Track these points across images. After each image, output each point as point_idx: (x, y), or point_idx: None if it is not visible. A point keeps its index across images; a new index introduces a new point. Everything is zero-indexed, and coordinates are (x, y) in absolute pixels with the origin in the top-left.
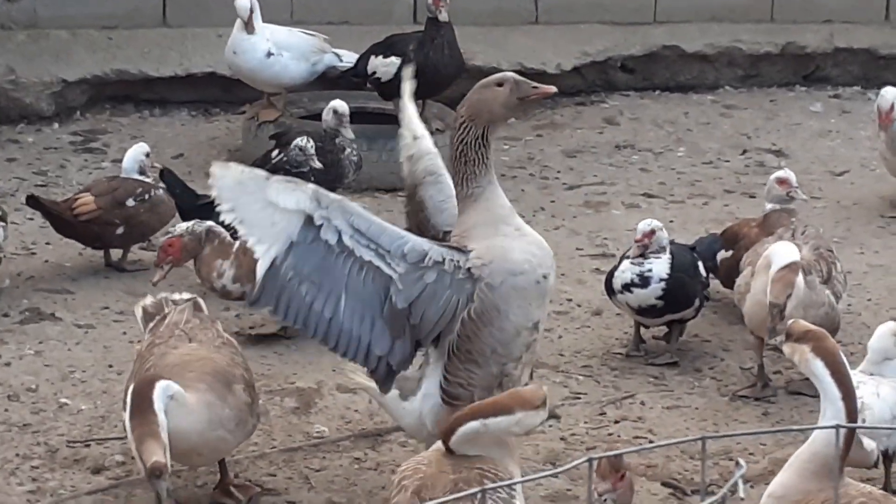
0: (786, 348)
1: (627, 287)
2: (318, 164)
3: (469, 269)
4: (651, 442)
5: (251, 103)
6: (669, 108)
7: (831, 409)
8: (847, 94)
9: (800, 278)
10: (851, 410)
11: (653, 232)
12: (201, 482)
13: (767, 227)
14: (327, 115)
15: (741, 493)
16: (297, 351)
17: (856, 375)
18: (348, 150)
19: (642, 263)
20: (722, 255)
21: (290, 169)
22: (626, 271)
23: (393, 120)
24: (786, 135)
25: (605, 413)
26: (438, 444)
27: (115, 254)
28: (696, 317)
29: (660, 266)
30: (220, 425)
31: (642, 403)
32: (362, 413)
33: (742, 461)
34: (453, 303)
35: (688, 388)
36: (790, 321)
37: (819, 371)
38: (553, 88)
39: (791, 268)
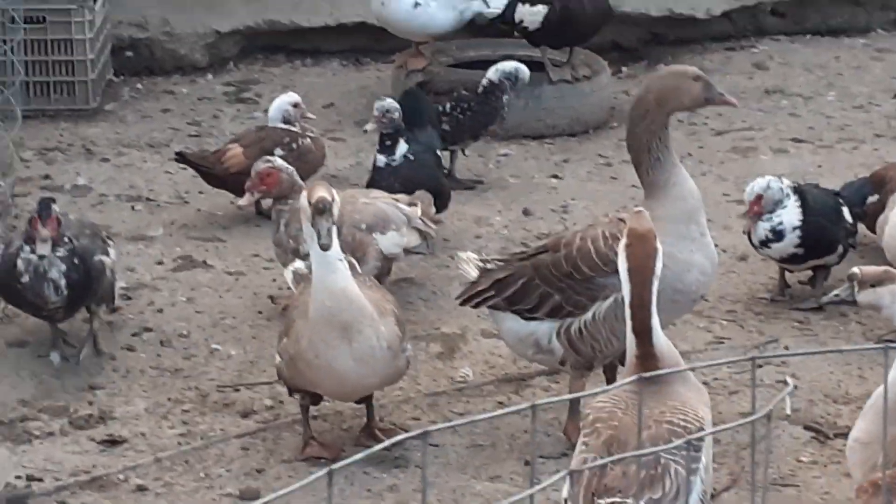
0: (865, 296)
1: (764, 244)
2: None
3: None
4: (796, 388)
5: (400, 52)
6: (820, 52)
7: None
8: None
9: None
10: None
11: (759, 197)
12: (347, 425)
13: None
14: (498, 76)
15: (788, 411)
16: (442, 297)
17: None
18: (506, 97)
19: (770, 218)
20: (870, 199)
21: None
22: (759, 230)
23: (539, 67)
24: None
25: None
26: (627, 374)
27: (266, 202)
28: (839, 262)
29: (789, 215)
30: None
31: (786, 348)
32: (506, 358)
33: (790, 380)
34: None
35: (833, 333)
36: (854, 269)
37: None
38: (736, 102)
39: None
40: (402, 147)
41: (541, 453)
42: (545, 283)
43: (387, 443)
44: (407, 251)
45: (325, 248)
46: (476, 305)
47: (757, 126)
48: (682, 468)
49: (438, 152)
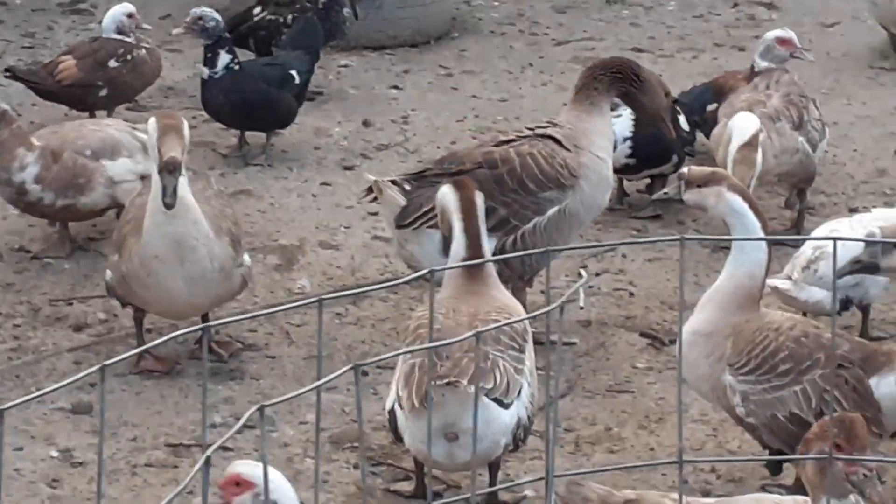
0: (691, 196)
1: None
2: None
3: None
4: (632, 294)
5: None
6: None
7: (752, 241)
8: None
9: (759, 154)
10: (768, 242)
11: None
12: (181, 339)
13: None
14: None
15: (581, 303)
16: (280, 208)
17: (832, 224)
18: (346, 10)
19: None
20: (710, 107)
21: (270, 27)
22: None
23: None
24: None
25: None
26: (450, 284)
27: (101, 115)
28: (676, 171)
29: (621, 126)
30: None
31: (624, 256)
32: (344, 269)
33: (583, 272)
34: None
35: (670, 241)
36: (683, 169)
37: (738, 205)
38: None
39: (750, 144)
40: (223, 58)
41: (377, 364)
42: (489, 199)
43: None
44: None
45: (168, 206)
46: (419, 226)
47: (598, 36)
48: (510, 365)
49: (294, 73)
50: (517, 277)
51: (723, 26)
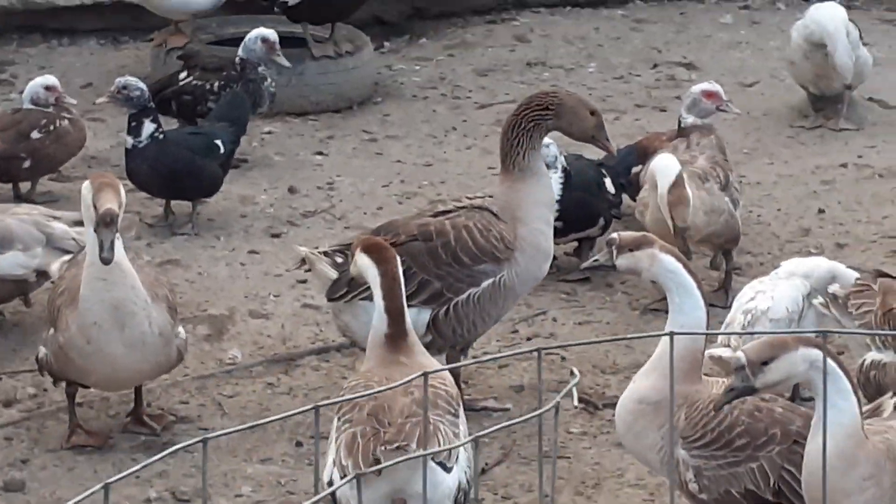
0: (623, 260)
1: None
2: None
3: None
4: (563, 359)
5: (159, 30)
6: (580, 23)
7: (690, 300)
8: (757, 5)
9: (690, 190)
10: (705, 299)
11: None
12: (113, 412)
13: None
14: (254, 45)
15: (576, 402)
16: (208, 278)
17: (755, 285)
18: (269, 80)
19: None
20: (635, 169)
21: (196, 92)
22: None
23: (301, 43)
24: (696, 47)
25: (517, 331)
26: (374, 355)
27: (24, 187)
28: (603, 234)
29: None
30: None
31: (554, 320)
32: (275, 338)
33: (576, 370)
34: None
35: (599, 304)
36: (613, 234)
37: (673, 266)
38: (614, 151)
39: (678, 184)
40: (147, 128)
41: (312, 434)
42: (423, 271)
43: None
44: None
45: (106, 261)
46: (351, 299)
47: (520, 98)
48: (449, 430)
49: (220, 143)
50: (450, 346)
51: (643, 87)
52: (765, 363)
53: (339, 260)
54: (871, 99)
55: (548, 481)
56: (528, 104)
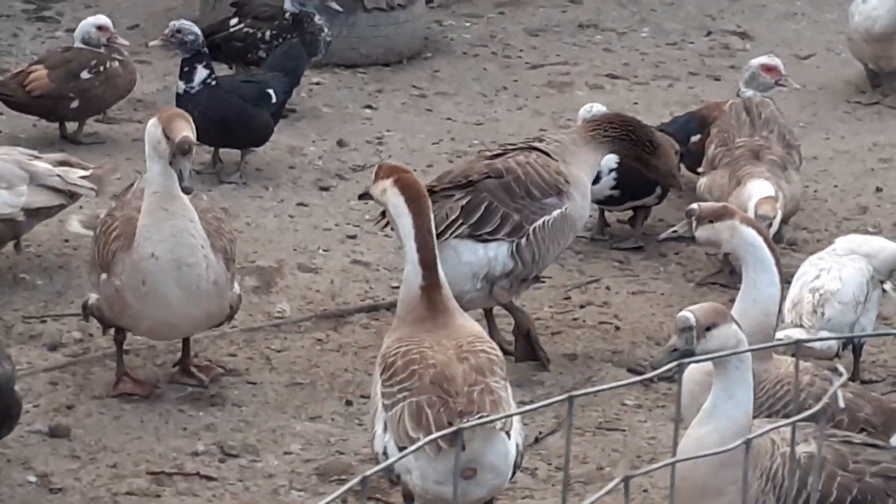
0: (703, 232)
1: None
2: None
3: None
4: (618, 329)
5: None
6: None
7: (767, 276)
8: None
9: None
10: (782, 277)
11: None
12: (160, 361)
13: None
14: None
15: (841, 403)
16: (256, 229)
17: (815, 262)
18: (325, 30)
19: None
20: (693, 138)
21: (247, 39)
22: None
23: None
24: (751, 16)
25: (570, 297)
26: (411, 316)
27: (71, 126)
28: (660, 203)
29: (607, 157)
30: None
31: (608, 288)
32: (324, 294)
33: (841, 368)
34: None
35: (653, 274)
36: (692, 205)
37: (753, 238)
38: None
39: (770, 197)
40: (200, 73)
41: (362, 393)
42: (503, 205)
43: None
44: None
45: (187, 191)
46: (446, 238)
47: (572, 61)
48: (509, 397)
49: (272, 92)
50: (519, 280)
51: (697, 55)
52: (708, 329)
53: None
54: None
55: (602, 453)
56: (637, 128)
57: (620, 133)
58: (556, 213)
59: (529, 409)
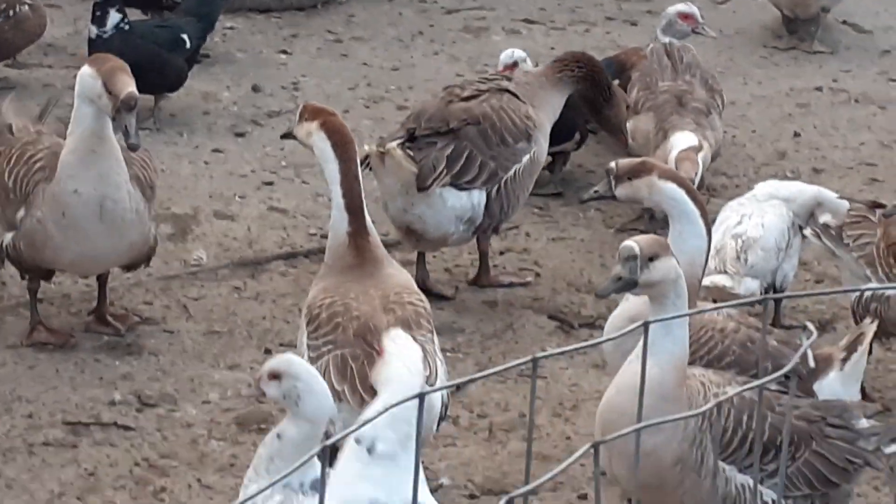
0: (623, 189)
1: None
2: None
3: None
4: (538, 275)
5: None
6: None
7: (691, 228)
8: None
9: (700, 155)
10: (708, 227)
11: (515, 64)
12: (75, 310)
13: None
14: None
15: (811, 363)
16: (171, 175)
17: (736, 207)
18: None
19: None
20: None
21: None
22: None
23: None
24: None
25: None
26: (338, 264)
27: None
28: (578, 149)
29: None
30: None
31: (528, 234)
32: (241, 241)
33: (811, 326)
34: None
35: (573, 220)
36: (611, 163)
37: (673, 191)
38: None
39: (692, 149)
40: (113, 18)
41: (280, 341)
42: (481, 154)
43: None
44: None
45: (133, 148)
46: (433, 188)
47: (488, 5)
48: (433, 349)
49: (186, 37)
50: (491, 227)
51: (614, 0)
52: (651, 259)
53: (410, 153)
54: (844, 22)
55: (524, 400)
56: (601, 73)
57: (587, 72)
58: (525, 158)
59: (496, 370)
